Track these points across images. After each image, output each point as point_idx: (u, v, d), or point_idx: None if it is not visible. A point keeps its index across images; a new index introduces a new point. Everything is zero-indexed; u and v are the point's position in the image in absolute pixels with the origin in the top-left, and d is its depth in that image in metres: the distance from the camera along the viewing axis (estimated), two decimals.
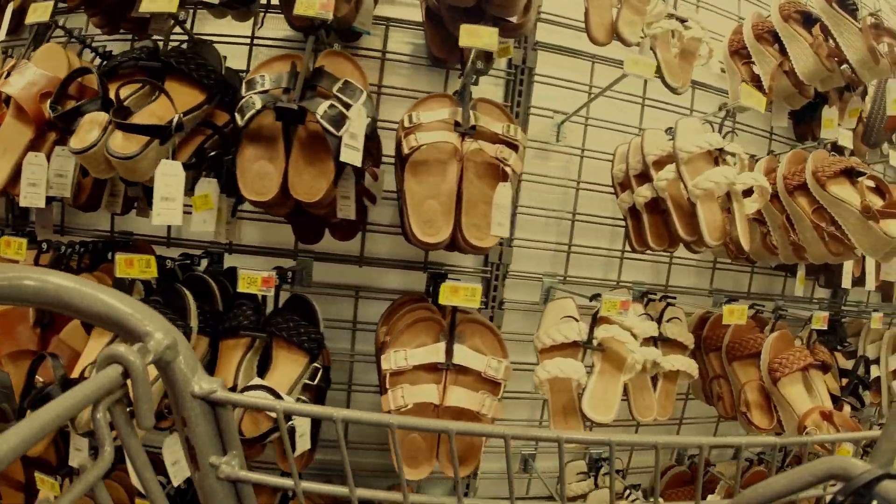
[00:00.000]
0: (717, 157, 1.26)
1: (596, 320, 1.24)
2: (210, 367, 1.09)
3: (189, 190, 1.02)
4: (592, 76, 1.54)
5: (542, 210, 1.56)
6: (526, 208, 1.52)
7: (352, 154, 0.95)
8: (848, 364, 1.59)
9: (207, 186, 1.03)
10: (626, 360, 1.21)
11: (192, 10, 1.28)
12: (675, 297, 1.48)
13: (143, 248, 1.31)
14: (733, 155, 1.26)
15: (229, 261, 1.34)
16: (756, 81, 1.45)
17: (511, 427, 0.48)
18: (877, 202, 1.25)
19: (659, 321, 1.39)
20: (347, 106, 0.97)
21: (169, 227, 1.40)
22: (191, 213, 1.04)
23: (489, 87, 1.47)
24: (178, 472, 1.04)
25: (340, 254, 1.42)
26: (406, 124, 1.08)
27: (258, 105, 0.95)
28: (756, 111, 1.36)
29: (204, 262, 1.32)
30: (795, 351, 1.40)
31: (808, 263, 1.50)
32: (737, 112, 1.48)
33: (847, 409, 1.43)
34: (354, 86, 1.01)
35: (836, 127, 1.57)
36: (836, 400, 1.42)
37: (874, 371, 1.68)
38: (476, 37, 1.02)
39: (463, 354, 1.07)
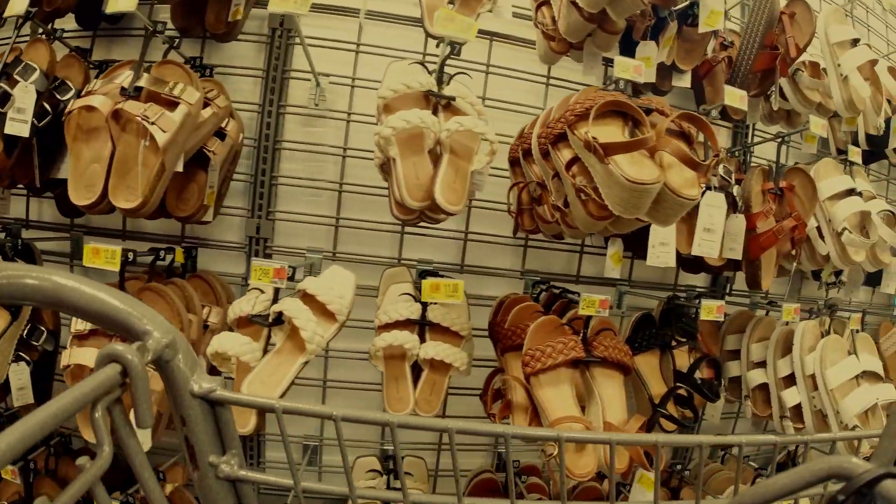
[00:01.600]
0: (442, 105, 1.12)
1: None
2: None
3: None
4: (360, 35, 1.44)
5: (307, 180, 1.44)
6: (288, 178, 1.44)
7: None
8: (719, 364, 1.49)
9: None
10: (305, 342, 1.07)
11: None
12: (446, 274, 1.32)
13: None
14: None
15: None
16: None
17: (511, 427, 0.48)
18: (678, 154, 0.95)
19: (425, 304, 1.21)
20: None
21: None
22: None
23: (249, 52, 1.44)
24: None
25: None
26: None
27: None
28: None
29: None
30: (558, 342, 1.10)
31: (615, 235, 1.29)
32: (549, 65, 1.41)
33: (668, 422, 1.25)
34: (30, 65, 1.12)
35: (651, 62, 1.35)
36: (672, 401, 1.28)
37: (733, 369, 1.57)
38: None
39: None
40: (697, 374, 1.33)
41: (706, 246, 1.21)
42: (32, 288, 0.38)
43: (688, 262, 1.44)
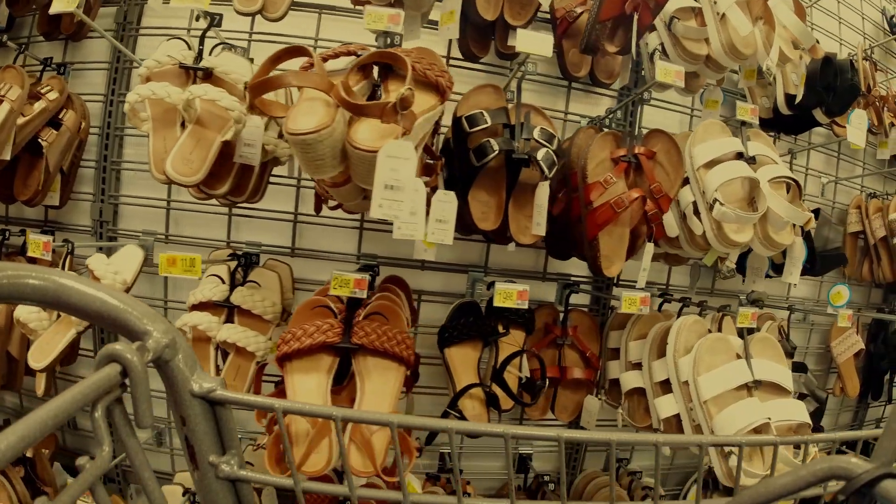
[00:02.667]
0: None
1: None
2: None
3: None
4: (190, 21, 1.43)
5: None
6: (131, 163, 1.45)
7: None
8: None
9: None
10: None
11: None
12: (256, 259, 1.29)
13: None
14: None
15: None
16: None
17: (511, 426, 0.48)
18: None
19: (234, 285, 1.19)
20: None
21: None
22: None
23: (102, 48, 1.49)
24: None
25: None
26: None
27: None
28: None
29: None
30: (313, 325, 0.99)
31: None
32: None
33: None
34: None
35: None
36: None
37: (613, 370, 1.38)
38: None
39: None
40: (524, 372, 1.28)
41: (389, 207, 0.92)
42: (33, 288, 0.38)
43: (554, 247, 1.35)
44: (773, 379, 1.18)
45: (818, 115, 1.60)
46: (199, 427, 0.44)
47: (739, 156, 1.27)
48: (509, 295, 1.19)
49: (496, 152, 1.09)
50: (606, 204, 1.17)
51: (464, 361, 1.29)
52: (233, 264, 1.24)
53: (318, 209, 1.23)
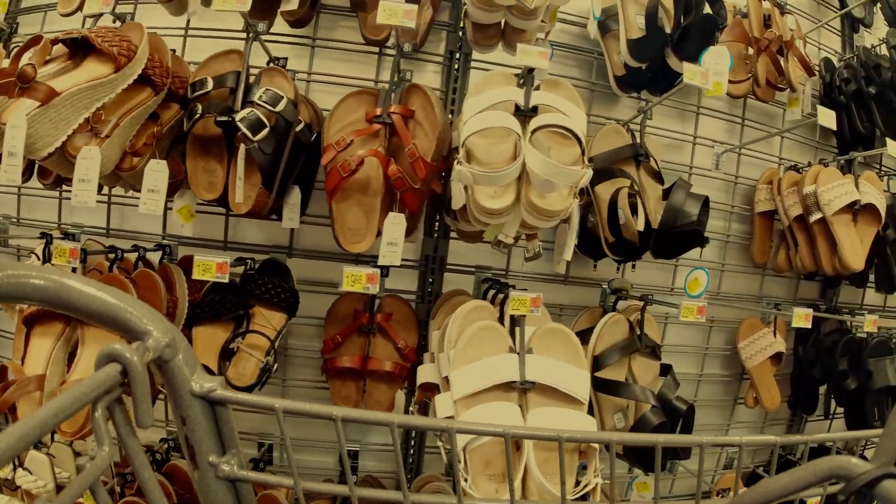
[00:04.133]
0: None
1: None
2: None
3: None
4: None
5: None
6: None
7: None
8: None
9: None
10: None
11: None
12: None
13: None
14: None
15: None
16: None
17: (511, 427, 0.48)
18: None
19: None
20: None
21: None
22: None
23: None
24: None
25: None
26: None
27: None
28: None
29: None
30: None
31: None
32: None
33: None
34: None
35: None
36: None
37: (427, 361, 1.21)
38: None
39: None
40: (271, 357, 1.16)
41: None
42: (34, 287, 0.38)
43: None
44: (551, 382, 0.95)
45: (672, 61, 1.27)
46: (199, 427, 0.44)
47: (518, 108, 1.04)
48: None
49: (198, 116, 1.04)
50: (334, 168, 1.04)
51: (207, 342, 1.18)
52: None
53: None
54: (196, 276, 1.09)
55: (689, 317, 1.29)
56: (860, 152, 1.59)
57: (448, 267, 1.47)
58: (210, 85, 1.08)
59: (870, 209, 1.53)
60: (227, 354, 1.17)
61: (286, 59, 1.21)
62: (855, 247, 1.51)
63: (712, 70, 1.21)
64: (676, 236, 1.30)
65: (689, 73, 1.18)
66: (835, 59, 1.82)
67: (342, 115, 1.11)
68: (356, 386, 1.29)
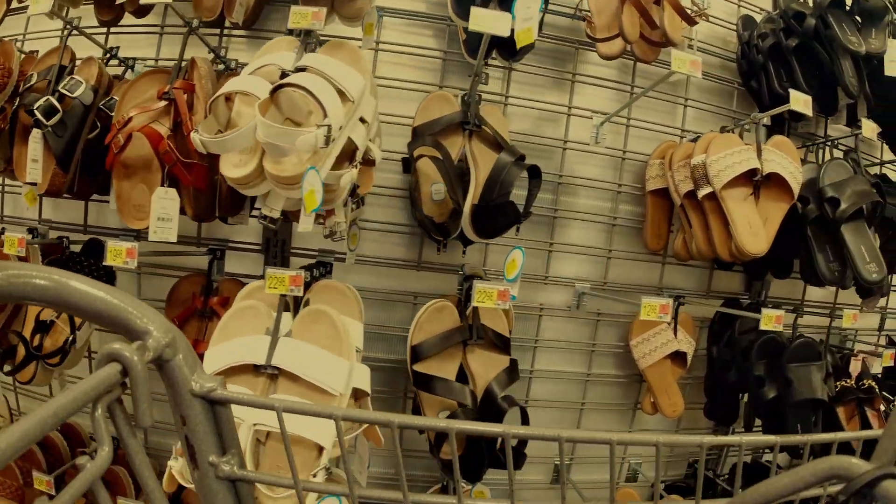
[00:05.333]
0: None
1: None
2: None
3: None
4: None
5: None
6: None
7: None
8: None
9: None
10: None
11: None
12: None
13: None
14: None
15: None
16: None
17: (511, 426, 0.48)
18: None
19: None
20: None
21: None
22: None
23: None
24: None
25: None
26: None
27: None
28: None
29: None
30: None
31: None
32: None
33: None
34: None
35: None
36: None
37: None
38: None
39: None
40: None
41: None
42: (34, 287, 0.38)
43: None
44: (296, 369, 0.88)
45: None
46: (199, 427, 0.44)
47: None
48: None
49: (14, 107, 1.16)
50: (109, 145, 1.05)
51: (31, 315, 1.28)
52: None
53: None
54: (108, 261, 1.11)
55: (486, 302, 1.09)
56: (762, 114, 1.33)
57: (292, 250, 1.41)
58: (35, 79, 1.17)
59: (777, 182, 1.28)
60: (43, 327, 1.29)
61: (118, 47, 1.31)
62: (753, 226, 1.26)
63: (521, 16, 1.04)
64: (493, 212, 1.15)
65: (482, 20, 1.01)
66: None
67: (134, 95, 1.13)
68: None
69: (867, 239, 1.33)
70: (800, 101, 1.18)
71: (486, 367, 1.20)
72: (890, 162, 1.72)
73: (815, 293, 1.75)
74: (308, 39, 1.03)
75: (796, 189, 1.29)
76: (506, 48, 1.24)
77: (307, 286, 1.07)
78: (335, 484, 0.51)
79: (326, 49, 1.05)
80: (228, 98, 1.01)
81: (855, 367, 1.52)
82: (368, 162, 1.10)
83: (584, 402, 1.57)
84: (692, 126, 1.54)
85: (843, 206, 1.30)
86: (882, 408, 1.47)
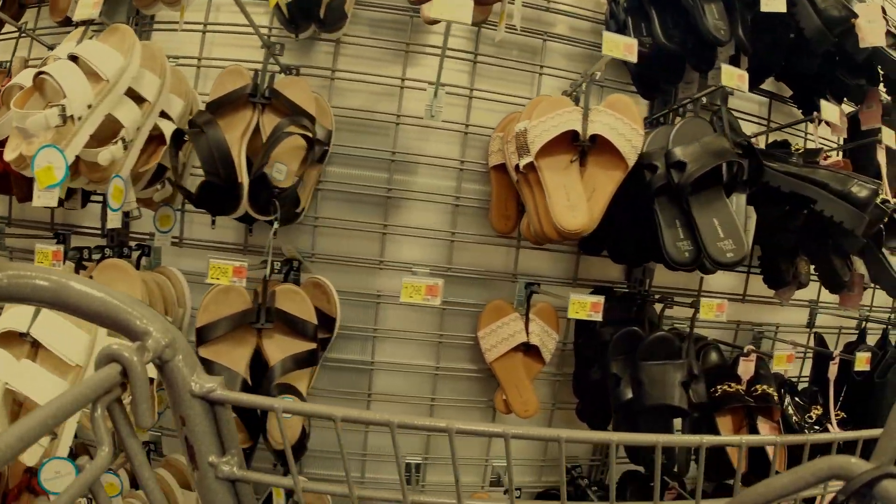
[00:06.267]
0: None
1: None
2: None
3: None
4: None
5: None
6: None
7: None
8: None
9: None
10: None
11: None
12: None
13: None
14: None
15: None
16: None
17: (511, 427, 0.48)
18: None
19: None
20: None
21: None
22: None
23: None
24: None
25: None
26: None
27: None
28: None
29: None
30: None
31: None
32: None
33: None
34: None
35: None
36: None
37: None
38: None
39: None
40: None
41: None
42: (33, 287, 0.38)
43: None
44: (42, 339, 0.91)
45: None
46: (199, 427, 0.44)
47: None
48: None
49: None
50: None
51: None
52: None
53: None
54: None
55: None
56: (593, 68, 1.15)
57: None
58: None
59: (606, 147, 1.09)
60: None
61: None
62: (571, 199, 1.07)
63: None
64: (255, 186, 1.06)
65: None
66: None
67: None
68: None
69: (724, 211, 1.09)
70: (620, 46, 1.01)
71: (283, 353, 1.12)
72: (786, 127, 1.50)
73: (719, 282, 1.57)
74: (92, 28, 1.05)
75: (630, 154, 1.08)
76: (319, 20, 1.18)
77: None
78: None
79: (102, 35, 1.06)
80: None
81: (745, 368, 1.30)
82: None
83: (434, 397, 1.46)
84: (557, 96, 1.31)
85: (689, 169, 1.06)
86: (778, 418, 1.28)
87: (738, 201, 1.16)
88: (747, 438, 0.54)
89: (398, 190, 1.39)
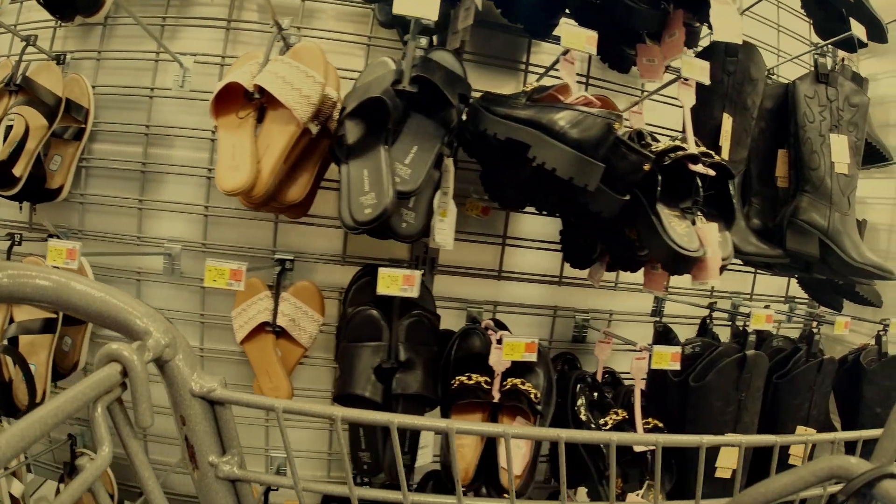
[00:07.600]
0: None
1: None
2: None
3: None
4: None
5: None
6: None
7: None
8: None
9: None
10: None
11: None
12: None
13: None
14: None
15: None
16: None
17: (510, 427, 0.48)
18: None
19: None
20: None
21: None
22: None
23: None
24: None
25: None
26: None
27: None
28: None
29: None
30: None
31: None
32: None
33: None
34: None
35: None
36: None
37: None
38: None
39: None
40: None
41: None
42: (34, 287, 0.38)
43: None
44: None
45: None
46: (199, 427, 0.44)
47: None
48: None
49: None
50: None
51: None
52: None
53: None
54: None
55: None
56: (276, 23, 1.03)
57: None
58: None
59: (279, 101, 0.96)
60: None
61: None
62: (236, 158, 0.97)
63: None
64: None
65: None
66: None
67: None
68: None
69: (375, 159, 0.90)
70: (581, 38, 0.88)
71: None
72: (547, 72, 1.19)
73: (529, 262, 1.41)
74: None
75: (298, 105, 0.96)
76: (73, 6, 1.21)
77: None
78: (331, 484, 0.51)
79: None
80: None
81: (497, 357, 1.04)
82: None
83: None
84: (337, 62, 1.13)
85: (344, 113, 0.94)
86: (530, 419, 1.02)
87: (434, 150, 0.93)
88: (747, 438, 0.54)
89: (154, 164, 1.34)
